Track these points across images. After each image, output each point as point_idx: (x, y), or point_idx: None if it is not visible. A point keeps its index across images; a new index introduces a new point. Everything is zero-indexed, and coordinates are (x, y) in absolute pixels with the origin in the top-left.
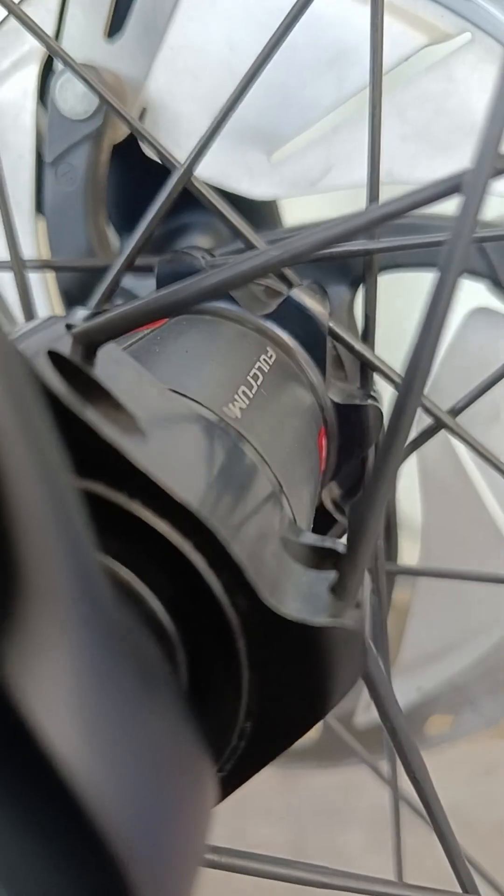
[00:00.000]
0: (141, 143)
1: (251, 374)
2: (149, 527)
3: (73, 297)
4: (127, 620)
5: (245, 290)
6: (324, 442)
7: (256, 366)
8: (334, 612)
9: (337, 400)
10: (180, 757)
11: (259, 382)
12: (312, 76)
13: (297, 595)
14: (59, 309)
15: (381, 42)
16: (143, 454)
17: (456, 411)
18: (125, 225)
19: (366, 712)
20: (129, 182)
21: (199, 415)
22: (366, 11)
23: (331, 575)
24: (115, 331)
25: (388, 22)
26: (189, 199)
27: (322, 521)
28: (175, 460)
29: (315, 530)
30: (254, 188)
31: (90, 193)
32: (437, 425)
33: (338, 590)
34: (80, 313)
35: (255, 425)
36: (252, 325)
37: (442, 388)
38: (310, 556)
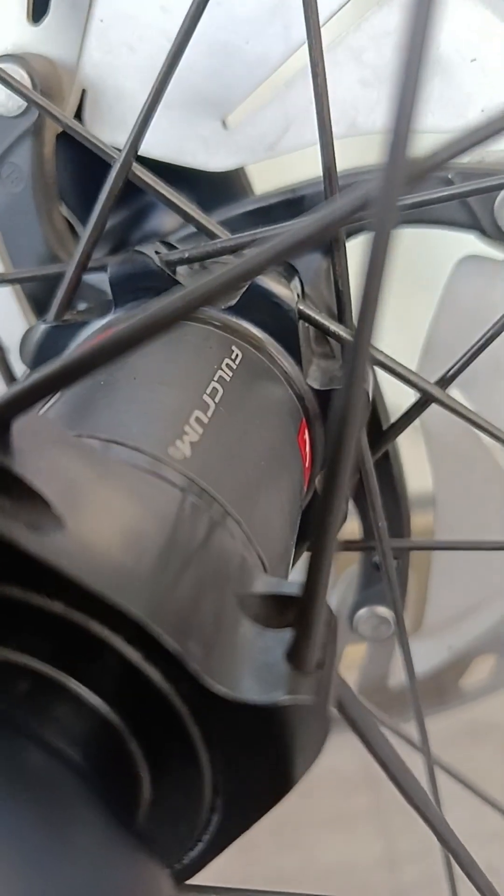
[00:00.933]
0: (85, 122)
1: (209, 389)
2: (77, 626)
3: (40, 301)
4: (34, 754)
5: (192, 280)
6: (306, 436)
7: (217, 376)
8: (291, 684)
9: (316, 385)
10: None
11: (219, 398)
12: (256, 29)
13: (250, 668)
14: (29, 315)
15: None
16: (58, 549)
17: (446, 381)
18: (88, 209)
19: (396, 676)
20: (83, 163)
21: (133, 474)
22: None
23: (286, 636)
24: (28, 403)
25: None
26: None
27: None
28: (98, 545)
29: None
30: (210, 160)
31: (40, 191)
32: (427, 399)
33: (294, 654)
34: None
35: (210, 458)
36: (216, 322)
37: (439, 342)
38: (268, 607)
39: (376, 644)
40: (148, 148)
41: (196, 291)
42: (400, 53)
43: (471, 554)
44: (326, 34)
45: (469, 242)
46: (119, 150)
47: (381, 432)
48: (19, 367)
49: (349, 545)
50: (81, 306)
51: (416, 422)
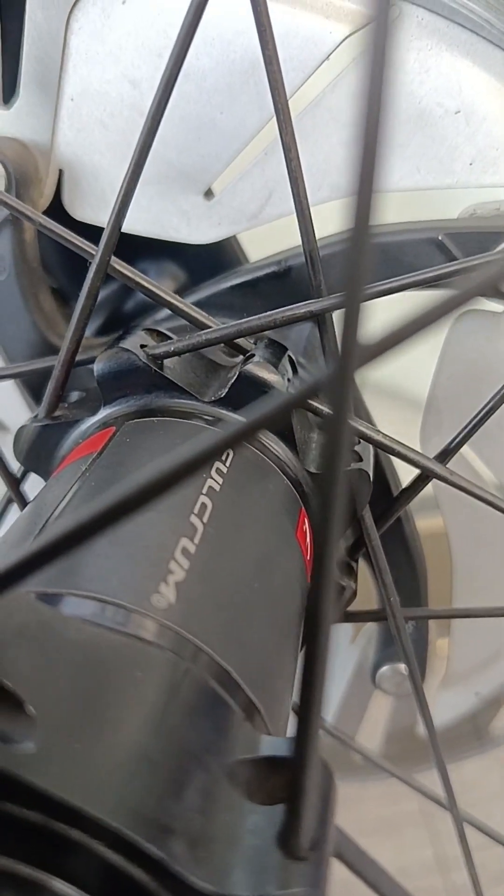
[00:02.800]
0: (64, 203)
1: (198, 507)
2: (58, 834)
3: (35, 387)
4: None
5: (190, 375)
6: (306, 525)
7: (206, 487)
8: (283, 876)
9: (313, 469)
10: None
11: (207, 516)
12: (229, 98)
13: (240, 856)
14: (27, 397)
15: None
16: (30, 763)
17: (447, 454)
18: (76, 280)
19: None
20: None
21: (113, 649)
22: (275, 10)
23: (277, 814)
24: (9, 585)
25: (300, 19)
26: (139, 245)
27: None
28: (72, 749)
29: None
30: (193, 233)
31: (24, 278)
32: (426, 475)
33: (286, 836)
34: None
35: (196, 600)
36: (207, 417)
37: (443, 398)
38: (259, 771)
39: (400, 697)
40: (130, 224)
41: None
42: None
43: (494, 600)
44: (304, 96)
45: None
46: (96, 247)
47: (389, 503)
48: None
49: (360, 615)
50: (75, 396)
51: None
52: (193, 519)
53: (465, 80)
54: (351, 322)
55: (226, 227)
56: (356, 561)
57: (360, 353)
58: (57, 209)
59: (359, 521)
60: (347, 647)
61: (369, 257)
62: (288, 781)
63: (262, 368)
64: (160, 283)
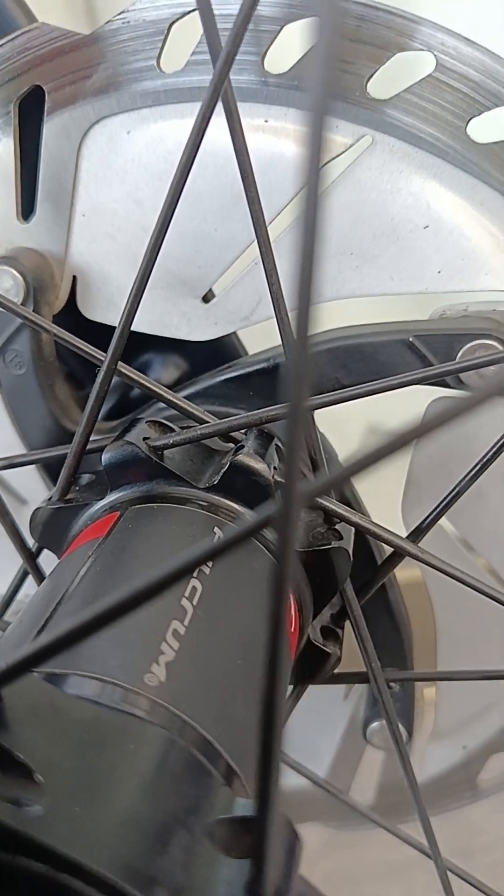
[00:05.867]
0: (78, 305)
1: (189, 590)
2: (61, 884)
3: (51, 468)
4: None
5: (188, 463)
6: (291, 599)
7: (197, 570)
8: None
9: (297, 548)
10: None
11: (197, 598)
12: (221, 217)
13: None
14: (44, 474)
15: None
16: (36, 822)
17: (418, 534)
18: (90, 368)
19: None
20: (87, 330)
21: (109, 725)
22: (257, 139)
23: (248, 868)
24: (19, 673)
25: (284, 148)
26: (147, 339)
27: (314, 658)
28: (74, 812)
29: (308, 669)
30: (192, 332)
31: (41, 371)
32: (399, 554)
33: (253, 887)
34: None
35: (184, 678)
36: (202, 502)
37: (421, 475)
38: (234, 830)
39: (391, 752)
40: (137, 324)
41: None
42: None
43: (476, 659)
44: (287, 216)
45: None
46: (104, 354)
47: (369, 578)
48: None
49: (345, 677)
50: (86, 479)
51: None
52: (184, 602)
53: (432, 198)
54: (292, 467)
55: (221, 327)
56: (341, 628)
57: (309, 489)
58: (73, 308)
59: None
60: (340, 703)
61: (308, 391)
62: (252, 843)
63: (250, 458)
64: (165, 371)
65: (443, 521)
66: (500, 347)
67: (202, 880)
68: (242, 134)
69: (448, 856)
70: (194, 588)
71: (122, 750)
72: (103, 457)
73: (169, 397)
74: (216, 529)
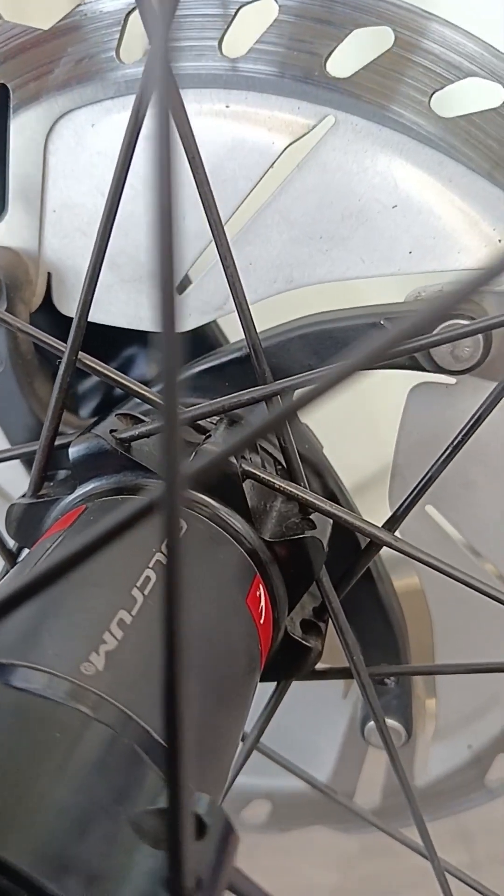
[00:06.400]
0: (54, 301)
1: (141, 580)
2: None
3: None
4: None
5: (157, 454)
6: (261, 590)
7: (154, 561)
8: None
9: (267, 537)
10: None
11: (149, 588)
12: (189, 206)
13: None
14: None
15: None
16: None
17: (394, 522)
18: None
19: (421, 777)
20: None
21: (37, 711)
22: (218, 126)
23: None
24: None
25: (246, 133)
26: (131, 335)
27: (295, 653)
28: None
29: (289, 664)
30: None
31: (20, 369)
32: (376, 543)
33: (170, 877)
34: None
35: (124, 667)
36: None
37: (406, 465)
38: (161, 822)
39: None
40: (114, 318)
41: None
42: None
43: (473, 655)
44: (256, 199)
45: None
46: (65, 345)
47: (348, 568)
48: None
49: (326, 674)
50: (62, 474)
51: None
52: (135, 592)
53: (399, 176)
54: (171, 450)
55: (196, 318)
56: (325, 621)
57: (189, 473)
58: (50, 305)
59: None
60: (340, 702)
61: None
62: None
63: (216, 447)
64: (149, 367)
65: (448, 527)
66: None
67: (119, 870)
68: (186, 116)
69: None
70: (147, 578)
71: (47, 738)
72: (70, 450)
73: (132, 386)
74: (181, 521)
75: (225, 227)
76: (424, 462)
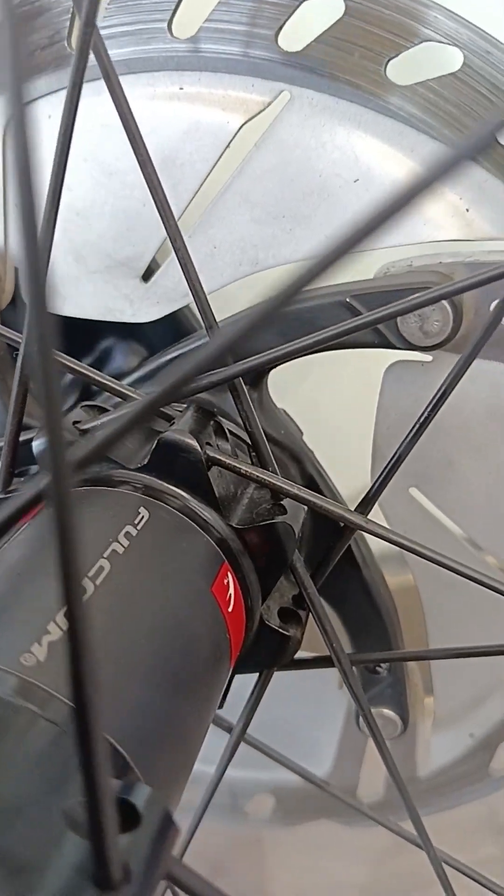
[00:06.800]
0: (23, 296)
1: (94, 570)
2: None
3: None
4: None
5: (126, 445)
6: (229, 578)
7: (109, 551)
8: None
9: (234, 523)
10: None
11: (102, 578)
12: (148, 191)
13: (54, 887)
14: None
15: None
16: None
17: (365, 504)
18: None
19: (424, 767)
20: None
21: None
22: (173, 109)
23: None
24: None
25: (200, 115)
26: (107, 329)
27: (274, 642)
28: None
29: (269, 654)
30: (137, 314)
31: None
32: (349, 526)
33: (97, 870)
34: None
35: None
36: (138, 485)
37: (386, 446)
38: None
39: (394, 742)
40: (85, 311)
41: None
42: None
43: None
44: (216, 182)
45: (390, 351)
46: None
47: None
48: None
49: (306, 663)
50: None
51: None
52: (86, 581)
53: (359, 149)
54: (55, 436)
55: (164, 306)
56: (305, 610)
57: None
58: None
59: (314, 573)
60: (336, 693)
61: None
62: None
63: (179, 434)
64: (126, 359)
65: (447, 521)
66: (444, 302)
67: (46, 861)
68: (124, 95)
69: None
70: (101, 568)
71: None
72: (34, 444)
73: (92, 376)
74: (141, 509)
75: (186, 211)
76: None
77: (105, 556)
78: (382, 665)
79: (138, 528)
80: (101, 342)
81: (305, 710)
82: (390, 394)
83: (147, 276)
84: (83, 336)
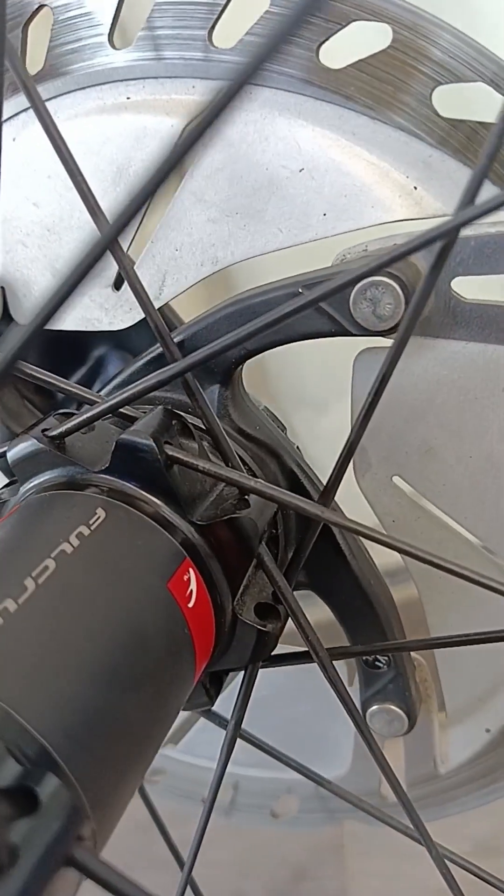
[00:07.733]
0: (11, 312)
1: (38, 569)
2: None
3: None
4: None
5: (94, 448)
6: (190, 573)
7: (57, 551)
8: None
9: (198, 520)
10: None
11: (45, 577)
12: (105, 200)
13: None
14: None
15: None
16: None
17: (327, 495)
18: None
19: (444, 764)
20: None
21: None
22: (121, 121)
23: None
24: None
25: (146, 122)
26: (99, 339)
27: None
28: None
29: (245, 651)
30: (113, 322)
31: None
32: (314, 519)
33: None
34: None
35: (6, 659)
36: (103, 487)
37: (364, 435)
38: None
39: (410, 738)
40: (65, 324)
41: None
42: None
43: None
44: (170, 187)
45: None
46: None
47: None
48: None
49: (285, 658)
50: None
51: None
52: (28, 581)
53: (301, 138)
54: None
55: (136, 312)
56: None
57: None
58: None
59: (288, 567)
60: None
61: None
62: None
63: (135, 435)
64: (119, 367)
65: (433, 508)
66: (393, 284)
67: None
68: (46, 109)
69: None
70: (45, 567)
71: None
72: (8, 454)
73: (56, 383)
74: (98, 510)
75: (146, 217)
76: (379, 431)
77: (52, 555)
78: (382, 659)
79: (92, 528)
80: (93, 352)
81: (321, 707)
82: (361, 383)
83: (118, 284)
84: (72, 349)
